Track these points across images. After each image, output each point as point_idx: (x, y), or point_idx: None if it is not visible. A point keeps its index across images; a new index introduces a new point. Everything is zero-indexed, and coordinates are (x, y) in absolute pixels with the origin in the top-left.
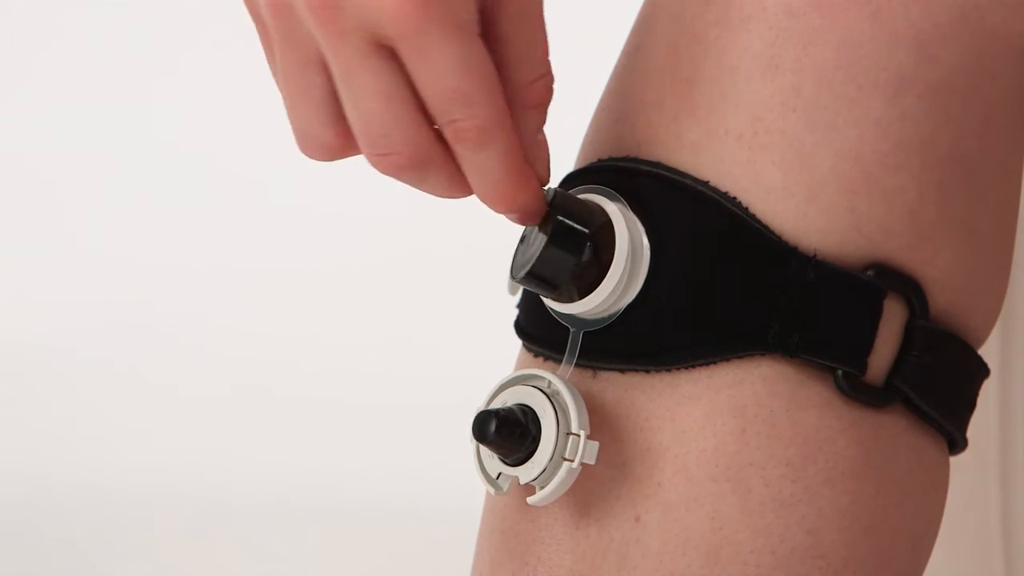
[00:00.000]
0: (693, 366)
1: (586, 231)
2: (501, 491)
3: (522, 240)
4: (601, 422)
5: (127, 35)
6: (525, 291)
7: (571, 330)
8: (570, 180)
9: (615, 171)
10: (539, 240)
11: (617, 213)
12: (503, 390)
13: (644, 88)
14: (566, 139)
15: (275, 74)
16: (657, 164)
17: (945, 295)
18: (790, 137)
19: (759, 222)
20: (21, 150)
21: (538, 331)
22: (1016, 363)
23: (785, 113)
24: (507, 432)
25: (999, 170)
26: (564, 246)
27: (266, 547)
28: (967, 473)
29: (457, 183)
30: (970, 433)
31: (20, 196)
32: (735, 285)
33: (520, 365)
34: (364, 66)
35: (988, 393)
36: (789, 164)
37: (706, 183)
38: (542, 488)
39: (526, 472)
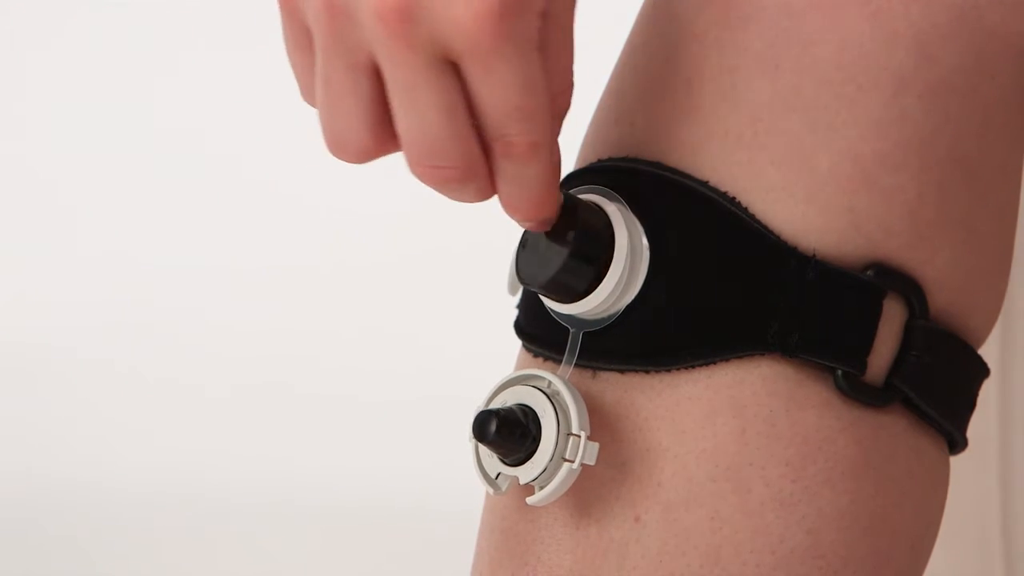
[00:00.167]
0: (693, 366)
1: (604, 241)
2: (500, 491)
3: (523, 244)
4: (601, 422)
5: (127, 35)
6: (525, 291)
7: (571, 330)
8: (570, 180)
9: (615, 171)
10: (551, 247)
11: (616, 213)
12: (503, 390)
13: (644, 88)
14: (566, 139)
15: (299, 70)
16: (657, 164)
17: (945, 295)
18: (790, 137)
19: (758, 222)
20: (21, 150)
21: (538, 331)
22: (1016, 363)
23: (785, 113)
24: (507, 432)
25: (998, 170)
26: (586, 257)
27: (266, 547)
28: (967, 473)
29: (486, 193)
30: (970, 433)
31: (20, 196)
32: (734, 285)
33: (520, 365)
34: (428, 80)
35: (988, 393)
36: (789, 164)
37: (705, 183)
38: (542, 488)
39: (526, 472)
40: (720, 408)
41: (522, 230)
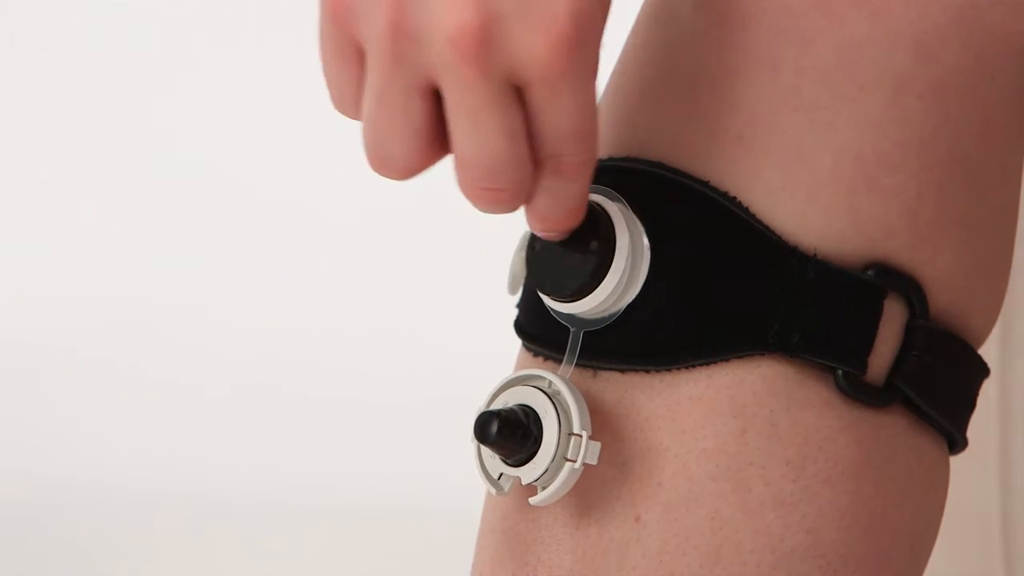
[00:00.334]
0: (693, 366)
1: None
2: (502, 491)
3: (533, 249)
4: (601, 422)
5: (127, 36)
6: (525, 291)
7: (571, 330)
8: None
9: (615, 171)
10: (573, 256)
11: (617, 213)
12: (504, 390)
13: (644, 88)
14: None
15: (336, 80)
16: (657, 164)
17: (945, 295)
18: (790, 137)
19: (759, 222)
20: (21, 150)
21: (538, 331)
22: (1016, 363)
23: (785, 113)
24: (509, 433)
25: (998, 170)
26: (606, 265)
27: (266, 547)
28: (967, 473)
29: (519, 207)
30: (970, 433)
31: (20, 196)
32: (735, 285)
33: (520, 365)
34: (496, 106)
35: (988, 393)
36: (789, 164)
37: (706, 183)
38: (544, 488)
39: (528, 472)
40: (721, 408)
41: (520, 230)
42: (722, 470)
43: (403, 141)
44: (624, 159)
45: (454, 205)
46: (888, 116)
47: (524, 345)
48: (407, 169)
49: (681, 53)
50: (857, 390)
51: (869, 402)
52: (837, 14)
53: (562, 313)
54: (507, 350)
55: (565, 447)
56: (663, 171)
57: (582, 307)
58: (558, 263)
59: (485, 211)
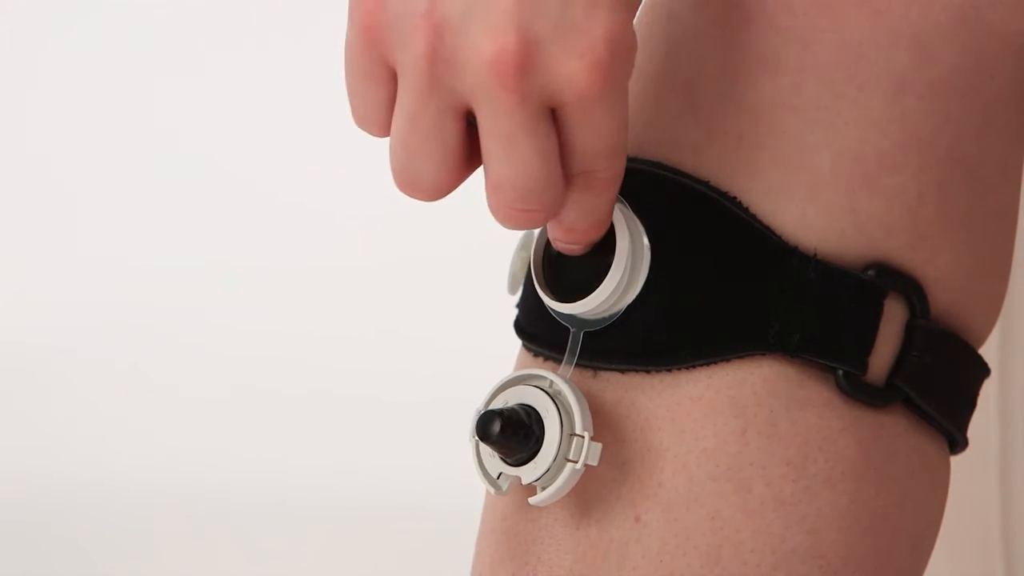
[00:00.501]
0: (694, 366)
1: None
2: (501, 491)
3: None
4: (601, 422)
5: (127, 36)
6: (525, 291)
7: (571, 330)
8: None
9: None
10: (603, 262)
11: (618, 213)
12: (503, 390)
13: (644, 88)
14: None
15: (362, 99)
16: (658, 164)
17: (945, 295)
18: (790, 137)
19: (759, 222)
20: (21, 150)
21: (538, 331)
22: (1016, 363)
23: (785, 113)
24: (511, 432)
25: (998, 169)
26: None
27: (266, 547)
28: (967, 473)
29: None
30: (970, 433)
31: (20, 196)
32: (735, 285)
33: (520, 365)
34: (531, 130)
35: (988, 393)
36: (789, 164)
37: (706, 183)
38: (544, 489)
39: (528, 472)
40: (721, 408)
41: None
42: (722, 470)
43: (434, 162)
44: None
45: (453, 205)
46: (888, 116)
47: (524, 345)
48: (436, 190)
49: (681, 52)
50: (858, 390)
51: (870, 402)
52: (837, 14)
53: (562, 313)
54: (507, 350)
55: (567, 448)
56: (663, 171)
57: (582, 307)
58: (578, 272)
59: (512, 229)
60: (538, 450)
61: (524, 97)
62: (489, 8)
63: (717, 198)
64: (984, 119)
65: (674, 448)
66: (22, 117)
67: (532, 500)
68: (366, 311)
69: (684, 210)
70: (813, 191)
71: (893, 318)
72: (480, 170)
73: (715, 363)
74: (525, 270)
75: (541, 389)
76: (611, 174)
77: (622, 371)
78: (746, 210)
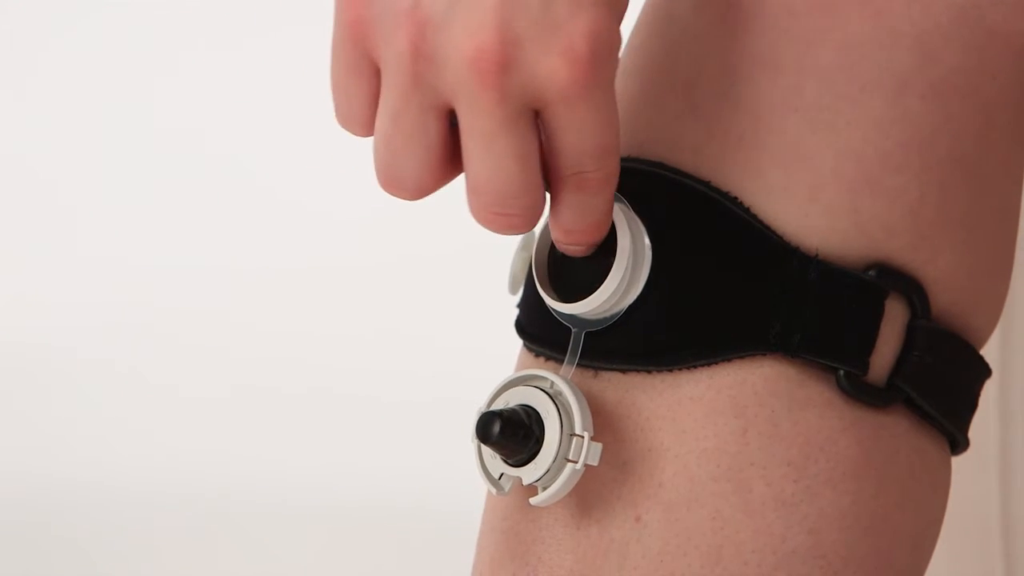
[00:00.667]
0: (695, 366)
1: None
2: (503, 492)
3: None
4: (602, 422)
5: (127, 35)
6: (526, 291)
7: (573, 330)
8: None
9: None
10: (604, 263)
11: (619, 213)
12: (505, 390)
13: (645, 88)
14: None
15: (344, 94)
16: (658, 164)
17: (946, 295)
18: (791, 137)
19: (760, 222)
20: (21, 150)
21: (539, 331)
22: (1016, 363)
23: (786, 113)
24: (511, 433)
25: (1000, 170)
26: (607, 266)
27: (266, 547)
28: (967, 473)
29: (534, 227)
30: (970, 433)
31: (20, 196)
32: (736, 285)
33: (520, 365)
34: (511, 130)
35: (988, 393)
36: (790, 164)
37: (707, 183)
38: (545, 489)
39: (529, 473)
40: (722, 408)
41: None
42: (723, 470)
43: (417, 161)
44: (625, 159)
45: (453, 205)
46: (890, 116)
47: (525, 345)
48: (419, 189)
49: (681, 53)
50: (859, 390)
51: (871, 402)
52: (839, 14)
53: (563, 313)
54: (507, 350)
55: (567, 448)
56: (664, 171)
57: (584, 307)
58: (583, 275)
59: (494, 232)
60: (538, 451)
61: (504, 96)
62: (471, 6)
63: (718, 198)
64: (985, 119)
65: (675, 448)
66: (22, 117)
67: (533, 500)
68: (366, 311)
69: (685, 210)
70: (814, 191)
71: (894, 318)
72: None
73: (716, 363)
74: (526, 270)
75: (542, 390)
76: (603, 174)
77: (623, 371)
78: (747, 210)
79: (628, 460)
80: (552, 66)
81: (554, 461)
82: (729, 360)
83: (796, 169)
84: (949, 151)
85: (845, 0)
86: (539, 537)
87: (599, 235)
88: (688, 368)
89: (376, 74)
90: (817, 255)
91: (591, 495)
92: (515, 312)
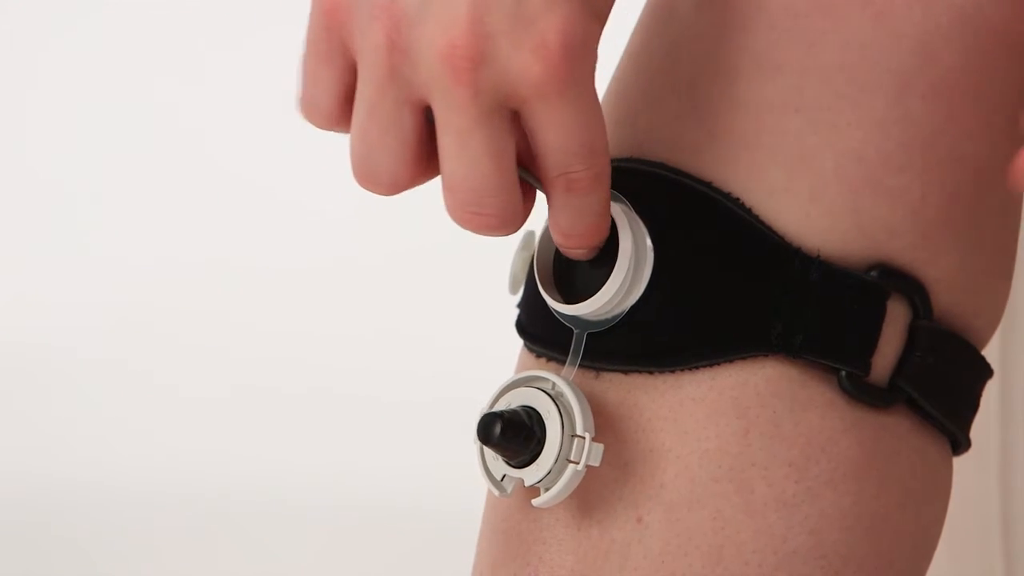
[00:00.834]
0: (696, 367)
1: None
2: (506, 493)
3: (552, 255)
4: (604, 423)
5: (127, 35)
6: (527, 291)
7: (575, 331)
8: None
9: (617, 172)
10: (594, 271)
11: (620, 214)
12: (506, 392)
13: (646, 88)
14: None
15: (313, 82)
16: (659, 165)
17: (948, 295)
18: (793, 138)
19: (762, 223)
20: (21, 150)
21: (541, 331)
22: (1016, 363)
23: (788, 114)
24: (512, 434)
25: (1001, 170)
26: (609, 267)
27: (266, 547)
28: (967, 473)
29: (514, 231)
30: (971, 433)
31: (20, 196)
32: (738, 286)
33: (521, 365)
34: (485, 127)
35: (988, 393)
36: (792, 165)
37: (708, 184)
38: (547, 490)
39: (531, 474)
40: (723, 409)
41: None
42: (724, 471)
43: (391, 155)
44: (626, 160)
45: None
46: (891, 117)
47: (526, 345)
48: (392, 184)
49: (683, 53)
50: (860, 391)
51: (872, 403)
52: (840, 15)
53: (565, 314)
54: (507, 350)
55: (568, 449)
56: (665, 172)
57: (586, 309)
58: (588, 278)
59: (471, 231)
60: (540, 452)
61: (477, 92)
62: (446, 1)
63: (719, 199)
64: (986, 119)
65: (676, 449)
66: (22, 117)
67: (535, 502)
68: (366, 311)
69: (686, 211)
70: (816, 192)
71: (896, 319)
72: None
73: (718, 364)
74: (526, 270)
75: (543, 391)
76: (592, 174)
77: (625, 372)
78: (749, 211)
79: (629, 461)
80: (524, 62)
81: (556, 462)
82: (731, 361)
83: (797, 169)
84: (950, 151)
85: (846, 1)
86: (540, 537)
87: (598, 238)
88: (690, 369)
89: (348, 67)
90: (819, 255)
91: (592, 496)
92: (515, 312)
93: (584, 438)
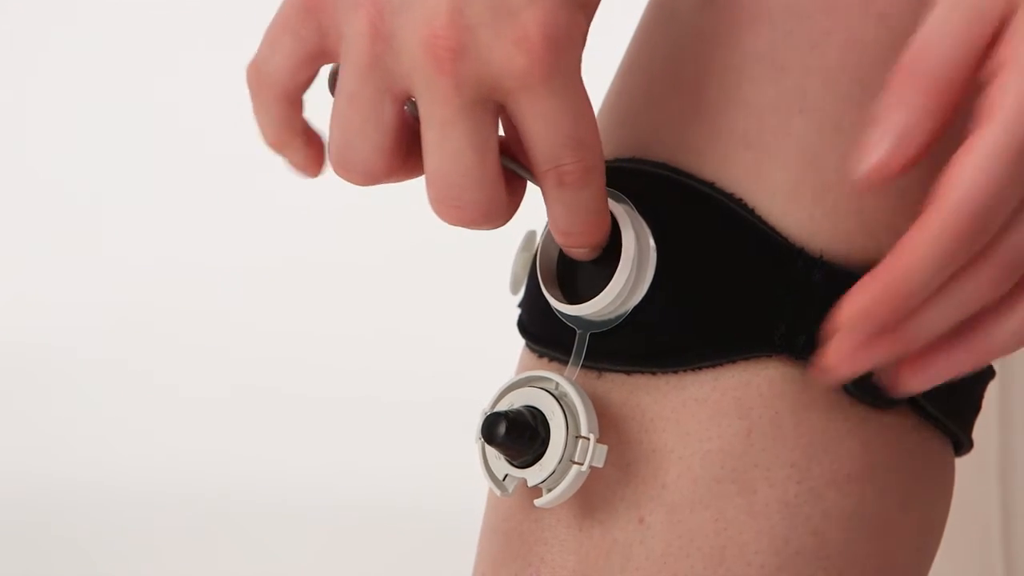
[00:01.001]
0: (699, 368)
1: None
2: (507, 493)
3: (553, 255)
4: (606, 423)
5: (127, 35)
6: (529, 291)
7: (577, 331)
8: None
9: (620, 172)
10: (597, 272)
11: (623, 215)
12: (509, 392)
13: (648, 88)
14: None
15: (273, 50)
16: (662, 165)
17: None
18: (796, 138)
19: (765, 223)
20: (21, 150)
21: (543, 331)
22: (1016, 363)
23: (791, 114)
24: (516, 434)
25: None
26: (612, 267)
27: (266, 547)
28: (967, 473)
29: (499, 225)
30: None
31: (20, 196)
32: (741, 286)
33: (523, 365)
34: (467, 118)
35: (988, 394)
36: (795, 165)
37: (711, 184)
38: (550, 491)
39: (534, 474)
40: (726, 410)
41: (521, 231)
42: (727, 472)
43: (369, 144)
44: (629, 160)
45: None
46: None
47: (528, 345)
48: (368, 174)
49: (686, 53)
50: (863, 392)
51: (875, 404)
52: (843, 15)
53: (568, 315)
54: (507, 350)
55: (572, 449)
56: (668, 172)
57: (589, 309)
58: (592, 279)
59: (452, 224)
60: (544, 452)
61: (459, 83)
62: None
63: (722, 199)
64: None
65: (679, 450)
66: (22, 117)
67: (538, 502)
68: (366, 311)
69: (689, 211)
70: (819, 193)
71: None
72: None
73: (721, 365)
74: (527, 270)
75: (546, 391)
76: (582, 167)
77: (627, 372)
78: (751, 211)
79: (632, 461)
80: (506, 54)
81: (559, 463)
82: (734, 362)
83: (801, 171)
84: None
85: (849, 1)
86: (542, 538)
87: (597, 236)
88: (693, 370)
89: (314, 46)
90: (822, 256)
91: (594, 496)
92: (516, 312)
93: (588, 439)
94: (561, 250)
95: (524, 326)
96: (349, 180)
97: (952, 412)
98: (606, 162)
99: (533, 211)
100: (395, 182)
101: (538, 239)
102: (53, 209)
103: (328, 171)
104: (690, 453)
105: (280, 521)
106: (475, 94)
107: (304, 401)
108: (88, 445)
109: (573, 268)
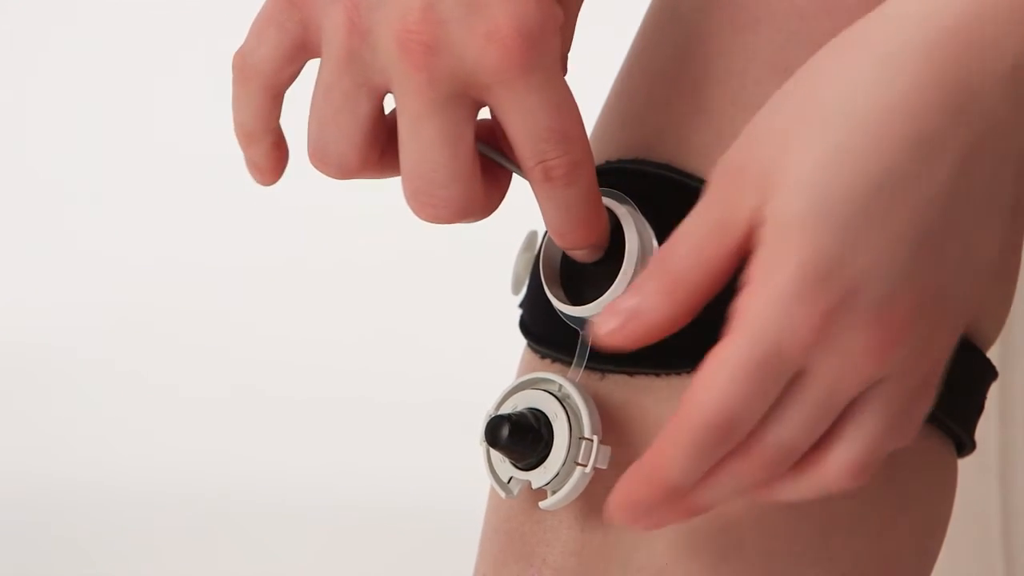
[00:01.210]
0: None
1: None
2: (512, 495)
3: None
4: (609, 425)
5: (127, 35)
6: (531, 292)
7: (581, 333)
8: None
9: (623, 173)
10: (600, 273)
11: (627, 216)
12: (513, 394)
13: (651, 90)
14: None
15: (259, 40)
16: (665, 166)
17: None
18: None
19: None
20: (21, 150)
21: (545, 332)
22: (1016, 363)
23: None
24: (520, 437)
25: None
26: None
27: (266, 547)
28: (967, 473)
29: (476, 218)
30: None
31: (20, 196)
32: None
33: (525, 365)
34: (440, 113)
35: (988, 393)
36: None
37: None
38: (554, 492)
39: (538, 476)
40: None
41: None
42: None
43: (343, 137)
44: (632, 161)
45: None
46: None
47: (530, 346)
48: (342, 167)
49: (689, 55)
50: None
51: None
52: (846, 17)
53: (571, 316)
54: (508, 351)
55: (576, 451)
56: (671, 173)
57: (592, 310)
58: (593, 281)
59: (427, 220)
60: (547, 454)
61: (432, 78)
62: None
63: None
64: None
65: None
66: (22, 117)
67: (542, 504)
68: (366, 312)
69: None
70: None
71: None
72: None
73: None
74: (529, 271)
75: (550, 393)
76: (567, 161)
77: (630, 374)
78: None
79: (634, 462)
80: (478, 48)
81: (563, 464)
82: None
83: None
84: None
85: (851, 3)
86: (543, 539)
87: (592, 236)
88: (695, 371)
89: (298, 39)
90: None
91: (596, 497)
92: (516, 313)
93: (592, 441)
94: (558, 250)
95: (526, 327)
96: (325, 172)
97: (955, 413)
98: (608, 163)
99: (533, 211)
100: (373, 178)
101: (540, 240)
102: (53, 209)
103: (325, 170)
104: None
105: (280, 521)
106: (449, 89)
107: (304, 401)
108: (88, 445)
109: (576, 269)
